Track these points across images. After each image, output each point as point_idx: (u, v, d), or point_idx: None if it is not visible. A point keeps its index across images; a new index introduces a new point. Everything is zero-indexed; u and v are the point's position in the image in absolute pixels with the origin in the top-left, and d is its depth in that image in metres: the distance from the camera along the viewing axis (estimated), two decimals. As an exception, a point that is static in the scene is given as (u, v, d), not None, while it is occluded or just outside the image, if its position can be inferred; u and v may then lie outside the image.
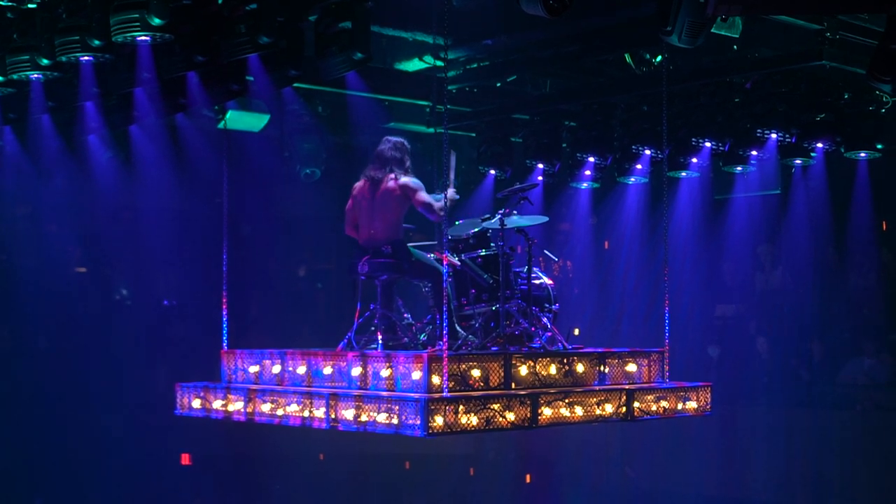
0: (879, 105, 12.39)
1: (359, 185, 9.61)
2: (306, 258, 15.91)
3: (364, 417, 8.39)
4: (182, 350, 14.39)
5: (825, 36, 10.81)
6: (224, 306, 10.35)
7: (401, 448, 15.46)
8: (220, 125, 11.41)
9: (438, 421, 7.96)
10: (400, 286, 9.82)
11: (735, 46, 11.38)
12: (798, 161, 13.31)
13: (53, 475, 14.13)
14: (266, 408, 9.29)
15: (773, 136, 12.90)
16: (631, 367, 9.50)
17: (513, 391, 8.60)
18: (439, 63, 11.25)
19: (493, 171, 14.29)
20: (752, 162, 13.28)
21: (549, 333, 9.52)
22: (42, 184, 13.41)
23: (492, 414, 8.27)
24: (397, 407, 8.13)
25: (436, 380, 8.25)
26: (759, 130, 12.88)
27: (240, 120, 12.46)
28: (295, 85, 10.77)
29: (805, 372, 14.99)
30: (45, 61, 9.69)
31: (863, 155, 12.87)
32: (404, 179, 9.40)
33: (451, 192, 9.33)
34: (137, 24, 8.77)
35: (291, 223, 15.11)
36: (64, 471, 14.18)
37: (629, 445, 15.75)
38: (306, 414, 8.89)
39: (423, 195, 9.38)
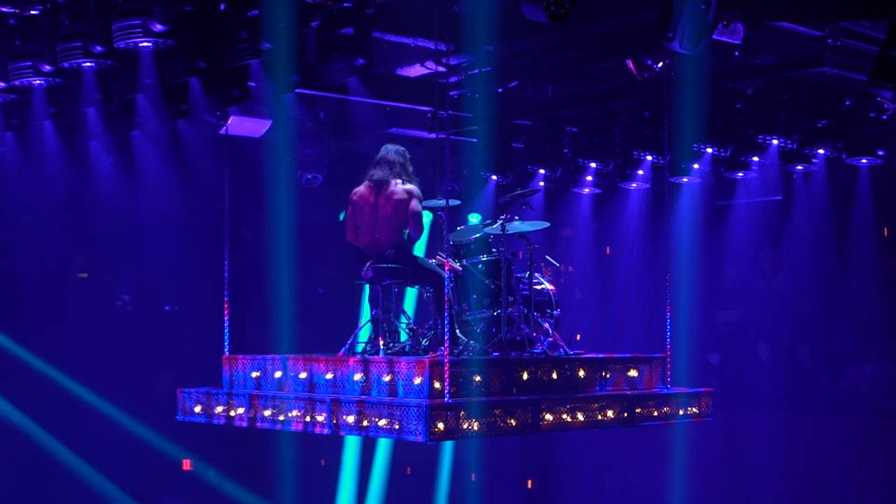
0: (881, 111, 12.39)
1: (359, 190, 9.56)
2: (307, 264, 15.89)
3: (366, 423, 8.39)
4: (184, 356, 14.39)
5: (826, 42, 10.81)
6: (226, 312, 10.35)
7: (402, 453, 15.45)
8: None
9: (440, 426, 7.96)
10: (401, 291, 9.82)
11: (736, 53, 11.37)
12: (799, 167, 13.31)
13: (55, 480, 14.11)
14: (268, 413, 9.29)
15: (775, 142, 12.91)
16: (632, 373, 9.50)
17: (514, 396, 8.60)
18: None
19: (494, 177, 14.29)
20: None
21: (551, 339, 9.52)
22: (44, 189, 13.42)
23: (493, 419, 8.27)
24: (399, 412, 8.13)
25: (437, 385, 8.25)
26: (760, 137, 12.88)
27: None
28: (296, 91, 10.77)
29: (806, 378, 14.97)
30: (47, 67, 9.72)
31: (864, 161, 12.86)
32: (410, 186, 9.41)
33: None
34: (139, 30, 8.80)
35: (293, 229, 15.10)
36: (65, 476, 14.17)
37: (631, 451, 15.74)
38: (308, 419, 8.89)
39: (418, 207, 9.37)
